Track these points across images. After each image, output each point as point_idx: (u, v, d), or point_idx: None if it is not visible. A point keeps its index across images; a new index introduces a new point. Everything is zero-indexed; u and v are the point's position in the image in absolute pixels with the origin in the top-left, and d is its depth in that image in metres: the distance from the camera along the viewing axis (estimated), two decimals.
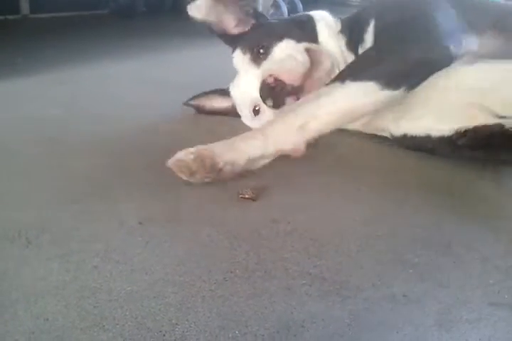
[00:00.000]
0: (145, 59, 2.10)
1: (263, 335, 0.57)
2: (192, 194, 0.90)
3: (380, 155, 1.10)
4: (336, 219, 0.83)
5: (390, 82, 0.93)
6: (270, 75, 1.03)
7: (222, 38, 1.24)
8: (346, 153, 1.11)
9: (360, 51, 1.12)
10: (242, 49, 1.17)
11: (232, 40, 1.22)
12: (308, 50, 1.11)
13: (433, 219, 0.83)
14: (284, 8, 2.83)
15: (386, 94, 0.94)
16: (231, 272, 0.67)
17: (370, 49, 1.05)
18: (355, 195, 0.92)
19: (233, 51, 1.22)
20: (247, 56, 1.15)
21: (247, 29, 1.22)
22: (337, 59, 1.14)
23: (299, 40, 1.13)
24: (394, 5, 1.16)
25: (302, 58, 1.08)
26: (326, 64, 1.10)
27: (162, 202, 0.86)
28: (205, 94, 1.31)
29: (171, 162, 0.88)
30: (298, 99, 1.04)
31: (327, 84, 0.99)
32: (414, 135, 1.04)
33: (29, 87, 1.58)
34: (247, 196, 0.87)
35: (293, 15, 1.31)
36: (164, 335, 0.56)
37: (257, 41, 1.14)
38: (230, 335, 0.57)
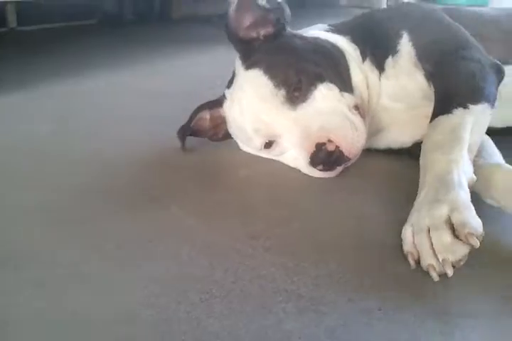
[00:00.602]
0: (136, 69, 2.10)
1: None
2: (173, 212, 0.90)
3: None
4: (316, 231, 0.84)
5: (491, 100, 0.95)
6: (330, 141, 0.93)
7: (233, 42, 1.07)
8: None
9: (391, 62, 1.07)
10: (265, 71, 1.01)
11: (245, 48, 1.06)
12: (357, 108, 1.01)
13: None
14: (288, 11, 2.83)
15: (491, 111, 0.95)
16: (207, 293, 0.68)
17: (440, 68, 1.02)
18: (339, 207, 0.93)
19: (246, 65, 1.05)
20: (276, 85, 0.99)
21: (262, 35, 1.06)
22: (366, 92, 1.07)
23: (340, 87, 1.01)
24: (416, 14, 1.13)
25: (361, 126, 0.98)
26: (366, 124, 1.01)
27: (143, 222, 0.87)
28: (196, 116, 1.15)
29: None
30: (345, 167, 0.99)
31: (439, 115, 0.91)
32: None
33: (17, 101, 1.57)
34: None
35: (316, 41, 1.08)
36: None
37: (287, 68, 0.99)
38: None
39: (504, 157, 0.98)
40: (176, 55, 2.41)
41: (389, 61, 1.08)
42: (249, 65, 1.04)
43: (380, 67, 1.09)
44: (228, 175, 1.07)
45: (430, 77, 1.04)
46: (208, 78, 1.65)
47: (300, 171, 1.04)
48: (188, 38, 2.89)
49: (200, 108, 1.14)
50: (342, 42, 1.11)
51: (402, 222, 0.80)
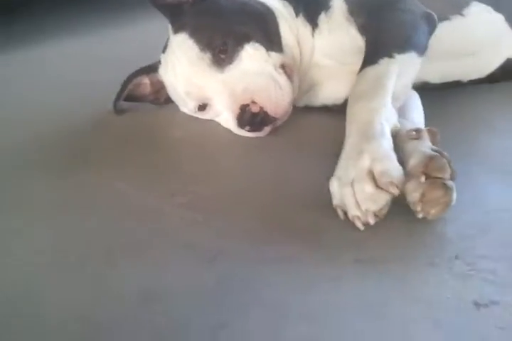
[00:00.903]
0: (99, 35, 2.09)
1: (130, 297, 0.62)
2: (103, 175, 0.93)
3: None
4: (235, 187, 0.87)
5: (420, 49, 0.95)
6: (254, 102, 0.94)
7: (160, 8, 1.06)
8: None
9: (324, 18, 1.06)
10: (191, 34, 1.01)
11: (172, 12, 1.06)
12: (283, 67, 1.01)
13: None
14: None
15: (420, 60, 0.95)
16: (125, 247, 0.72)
17: (371, 21, 1.01)
18: (265, 164, 0.95)
19: (174, 28, 1.06)
20: (202, 49, 0.99)
21: None
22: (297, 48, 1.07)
23: (267, 47, 1.01)
24: None
25: (287, 86, 0.98)
26: (296, 83, 1.02)
27: (75, 187, 0.89)
28: (131, 82, 1.15)
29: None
30: (274, 127, 1.00)
31: (366, 66, 0.91)
32: None
33: None
34: None
35: (243, 0, 1.07)
36: None
37: (213, 31, 0.99)
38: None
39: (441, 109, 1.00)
40: (148, 21, 2.39)
41: (322, 17, 1.07)
42: (176, 28, 1.05)
43: (314, 23, 1.08)
44: (163, 136, 1.09)
45: (363, 30, 1.03)
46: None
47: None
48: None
49: (135, 74, 1.16)
50: (272, 2, 1.09)
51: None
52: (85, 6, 2.84)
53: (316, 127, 1.09)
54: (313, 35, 1.08)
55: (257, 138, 1.02)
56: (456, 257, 0.66)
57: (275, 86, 0.97)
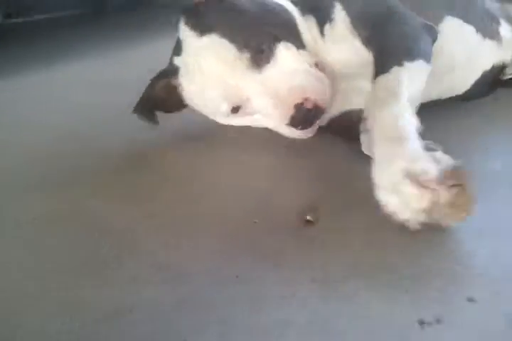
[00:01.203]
0: (103, 59, 2.17)
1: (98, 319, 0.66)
2: (76, 193, 0.98)
3: None
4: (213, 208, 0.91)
5: (427, 57, 0.98)
6: (306, 99, 0.96)
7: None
8: None
9: (329, 28, 1.08)
10: (223, 35, 1.00)
11: (188, 14, 1.06)
12: (316, 65, 1.04)
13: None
14: None
15: (428, 67, 0.97)
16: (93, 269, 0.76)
17: (375, 34, 1.03)
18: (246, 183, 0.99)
19: (198, 30, 1.04)
20: (240, 49, 0.99)
21: None
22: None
23: (297, 46, 1.04)
24: None
25: (326, 80, 1.02)
26: (330, 78, 1.04)
27: (50, 205, 0.94)
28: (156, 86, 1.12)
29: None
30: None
31: (378, 75, 0.93)
32: None
33: None
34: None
35: (262, 0, 1.08)
36: None
37: (247, 31, 1.00)
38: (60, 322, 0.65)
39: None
40: (152, 42, 2.47)
41: (327, 27, 1.09)
42: (201, 30, 1.03)
43: (320, 29, 1.10)
44: (155, 157, 1.14)
45: (367, 43, 1.05)
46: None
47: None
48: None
49: (158, 78, 1.12)
50: (285, 3, 1.11)
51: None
52: (88, 28, 2.95)
53: (304, 149, 1.10)
54: (322, 38, 1.10)
55: (241, 157, 1.06)
56: (406, 277, 0.69)
57: (317, 80, 1.00)
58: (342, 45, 1.08)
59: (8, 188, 1.05)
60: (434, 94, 1.16)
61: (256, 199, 0.92)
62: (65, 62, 2.10)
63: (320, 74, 1.02)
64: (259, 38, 0.99)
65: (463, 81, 1.19)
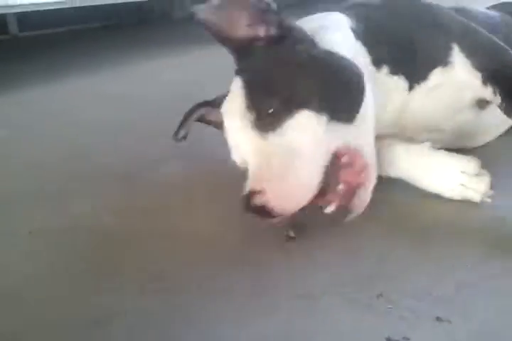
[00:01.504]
0: (116, 73, 2.23)
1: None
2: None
3: None
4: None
5: None
6: (260, 193, 0.75)
7: (229, 47, 0.87)
8: None
9: (438, 74, 0.96)
10: (244, 84, 0.84)
11: (241, 50, 0.86)
12: (340, 154, 0.79)
13: None
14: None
15: None
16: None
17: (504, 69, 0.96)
18: None
19: (237, 69, 0.89)
20: (248, 106, 0.82)
21: (263, 34, 0.85)
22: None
23: (332, 116, 0.79)
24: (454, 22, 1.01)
25: (310, 185, 0.76)
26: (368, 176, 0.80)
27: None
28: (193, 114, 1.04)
29: None
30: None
31: None
32: None
33: None
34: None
35: (328, 56, 0.85)
36: None
37: (266, 86, 0.82)
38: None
39: None
40: (164, 56, 2.53)
41: (435, 72, 0.96)
42: (237, 70, 0.89)
43: (412, 80, 0.96)
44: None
45: (493, 79, 0.96)
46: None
47: None
48: (186, 40, 3.00)
49: (198, 106, 1.05)
50: (354, 48, 0.92)
51: None
52: (101, 42, 3.02)
53: None
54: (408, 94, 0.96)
55: None
56: (380, 295, 0.71)
57: (300, 179, 0.76)
58: (440, 93, 0.97)
59: (6, 200, 1.08)
60: None
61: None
62: (77, 75, 2.16)
63: (317, 170, 0.77)
64: (277, 99, 0.79)
65: None
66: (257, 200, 0.75)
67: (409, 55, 0.95)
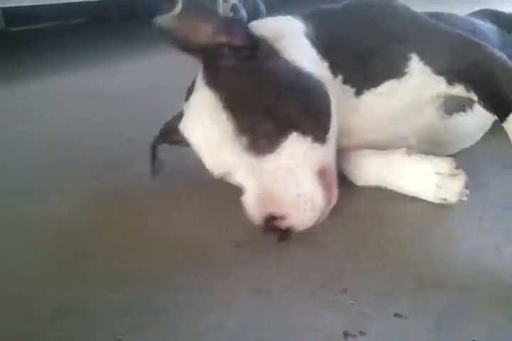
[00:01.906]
0: (101, 70, 2.23)
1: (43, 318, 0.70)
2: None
3: None
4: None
5: None
6: (282, 218, 0.78)
7: (194, 53, 0.84)
8: None
9: (394, 84, 0.94)
10: (227, 103, 0.81)
11: (208, 59, 0.85)
12: (323, 172, 0.83)
13: None
14: (243, 12, 2.93)
15: None
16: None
17: (473, 69, 0.93)
18: None
19: (206, 80, 0.85)
20: (241, 130, 0.81)
21: (229, 44, 0.82)
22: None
23: (313, 138, 0.82)
24: (414, 25, 0.98)
25: (319, 199, 0.80)
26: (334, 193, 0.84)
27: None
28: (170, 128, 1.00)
29: None
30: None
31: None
32: None
33: None
34: None
35: (298, 73, 0.86)
36: None
37: (258, 110, 0.81)
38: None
39: None
40: (150, 54, 2.53)
41: (388, 83, 0.95)
42: (209, 81, 0.85)
43: (360, 87, 0.94)
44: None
45: (462, 78, 0.94)
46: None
47: None
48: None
49: (157, 139, 1.04)
50: (312, 57, 0.92)
51: None
52: (87, 38, 3.02)
53: None
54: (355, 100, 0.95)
55: None
56: (345, 291, 0.73)
57: (308, 204, 0.80)
58: (393, 97, 0.95)
59: None
60: None
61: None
62: (62, 72, 2.16)
63: (319, 193, 0.81)
64: (271, 121, 0.80)
65: None
66: (283, 224, 0.79)
67: (364, 65, 0.94)
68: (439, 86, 0.95)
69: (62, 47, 2.76)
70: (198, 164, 0.86)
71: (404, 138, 1.01)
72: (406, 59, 0.94)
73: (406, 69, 0.94)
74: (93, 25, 3.57)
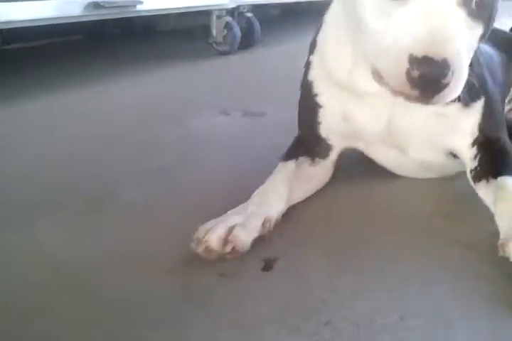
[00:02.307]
0: (94, 88, 2.23)
1: None
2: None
3: None
4: None
5: None
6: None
7: None
8: None
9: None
10: None
11: None
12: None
13: None
14: (237, 29, 2.93)
15: None
16: None
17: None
18: None
19: None
20: None
21: None
22: None
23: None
24: None
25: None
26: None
27: None
28: None
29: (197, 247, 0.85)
30: None
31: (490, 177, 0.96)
32: None
33: None
34: None
35: None
36: None
37: None
38: None
39: None
40: (148, 70, 2.55)
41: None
42: None
43: None
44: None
45: (480, 143, 1.02)
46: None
47: None
48: (172, 53, 3.03)
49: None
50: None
51: None
52: (83, 56, 3.04)
53: None
54: None
55: None
56: (328, 323, 0.72)
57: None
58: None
59: None
60: None
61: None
62: (58, 90, 2.16)
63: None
64: None
65: None
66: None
67: None
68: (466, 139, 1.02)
69: (59, 65, 2.77)
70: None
71: None
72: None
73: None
74: (88, 42, 3.58)
